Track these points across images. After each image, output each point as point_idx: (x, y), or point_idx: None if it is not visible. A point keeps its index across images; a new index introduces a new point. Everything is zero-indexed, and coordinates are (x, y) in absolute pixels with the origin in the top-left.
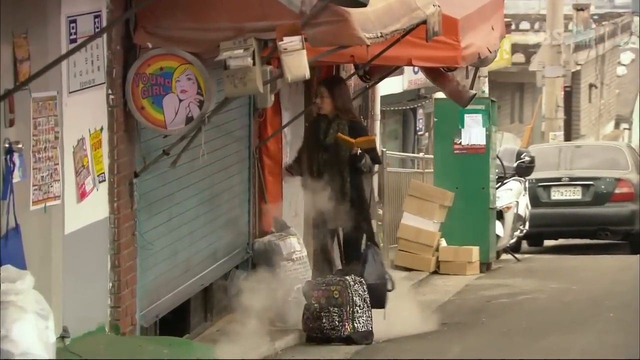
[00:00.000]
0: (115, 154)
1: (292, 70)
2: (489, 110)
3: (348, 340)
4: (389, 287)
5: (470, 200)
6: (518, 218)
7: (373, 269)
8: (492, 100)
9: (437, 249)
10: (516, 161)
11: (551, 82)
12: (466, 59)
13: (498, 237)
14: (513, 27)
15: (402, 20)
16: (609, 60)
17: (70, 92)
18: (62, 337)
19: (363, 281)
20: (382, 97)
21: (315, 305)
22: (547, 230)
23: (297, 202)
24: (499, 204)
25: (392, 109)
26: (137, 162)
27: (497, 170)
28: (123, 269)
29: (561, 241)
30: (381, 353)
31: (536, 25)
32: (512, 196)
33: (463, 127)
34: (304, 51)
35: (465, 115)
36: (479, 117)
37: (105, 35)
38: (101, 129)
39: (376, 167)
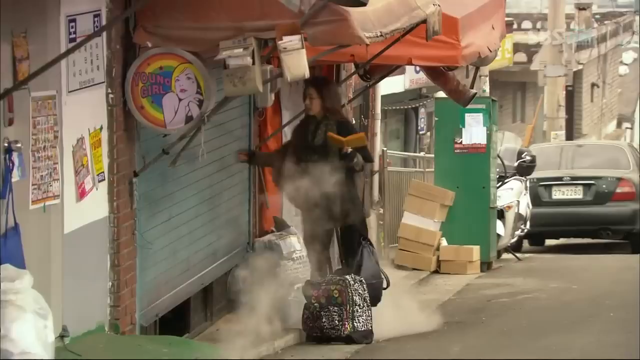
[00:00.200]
0: (114, 153)
1: (292, 70)
2: (490, 110)
3: (348, 340)
4: (384, 285)
5: (471, 200)
6: (519, 217)
7: (368, 267)
8: (492, 100)
9: (437, 248)
10: (517, 160)
11: (553, 81)
12: (466, 59)
13: (499, 236)
14: (515, 26)
15: (402, 20)
16: (611, 59)
17: (69, 92)
18: (61, 337)
19: (363, 280)
20: (383, 96)
21: (315, 304)
22: (548, 230)
23: None
24: (500, 203)
25: (393, 108)
26: (136, 162)
27: (498, 170)
28: (122, 268)
29: (562, 240)
30: (381, 352)
31: (538, 25)
32: (513, 195)
33: (464, 126)
34: (304, 50)
35: (466, 114)
36: (480, 116)
37: (104, 35)
38: (101, 128)
39: (375, 165)
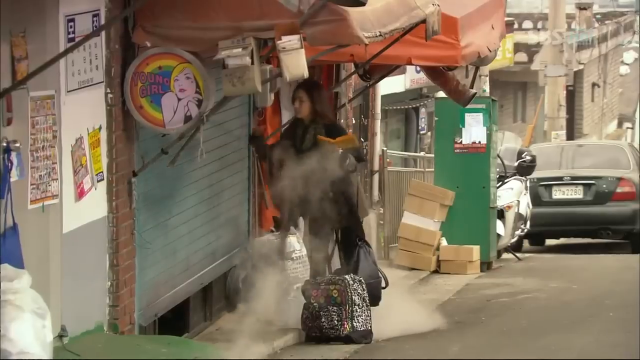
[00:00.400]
0: (113, 153)
1: (291, 70)
2: (490, 110)
3: (347, 340)
4: (383, 284)
5: (471, 200)
6: (519, 217)
7: (365, 268)
8: (492, 100)
9: (437, 248)
10: (517, 160)
11: (553, 81)
12: (466, 58)
13: (499, 236)
14: (516, 26)
15: (402, 20)
16: (611, 59)
17: (68, 91)
18: (60, 336)
19: (362, 280)
20: (384, 96)
21: (315, 304)
22: (548, 230)
23: None
24: (500, 203)
25: (394, 108)
26: (135, 161)
27: (498, 170)
28: (121, 268)
29: (563, 240)
30: (380, 352)
31: (539, 24)
32: (513, 195)
33: (464, 126)
34: (303, 50)
35: (466, 114)
36: (480, 116)
37: (103, 34)
38: (99, 128)
39: (375, 165)
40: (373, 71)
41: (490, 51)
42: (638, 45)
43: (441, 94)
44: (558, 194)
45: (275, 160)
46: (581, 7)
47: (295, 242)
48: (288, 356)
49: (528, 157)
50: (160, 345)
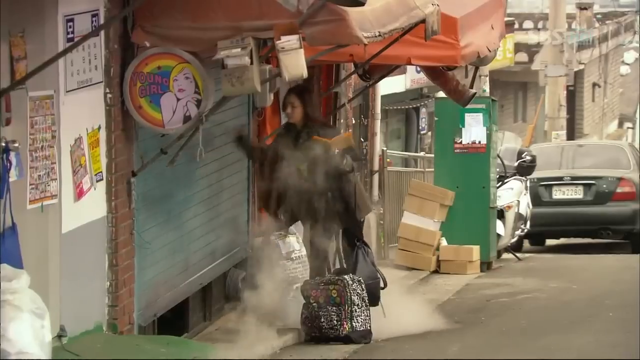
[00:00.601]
0: (112, 152)
1: (290, 70)
2: (490, 109)
3: (346, 340)
4: (381, 285)
5: (471, 200)
6: (519, 217)
7: (364, 269)
8: (492, 99)
9: (437, 248)
10: (517, 160)
11: (553, 81)
12: (465, 58)
13: (499, 236)
14: (516, 26)
15: (401, 20)
16: (612, 59)
17: (67, 91)
18: (59, 336)
19: (362, 280)
20: (384, 96)
21: (314, 304)
22: (548, 230)
23: None
24: (500, 203)
25: (394, 108)
26: (134, 161)
27: (498, 170)
28: (121, 268)
29: (563, 240)
30: (379, 352)
31: (539, 24)
32: (513, 195)
33: (464, 126)
34: (302, 50)
35: (466, 114)
36: (480, 116)
37: (102, 34)
38: (99, 128)
39: (375, 165)
40: (373, 71)
41: (489, 51)
42: (638, 45)
43: (441, 94)
44: (558, 194)
45: (268, 163)
46: (582, 7)
47: (295, 242)
48: (287, 356)
49: (528, 157)
50: (160, 345)
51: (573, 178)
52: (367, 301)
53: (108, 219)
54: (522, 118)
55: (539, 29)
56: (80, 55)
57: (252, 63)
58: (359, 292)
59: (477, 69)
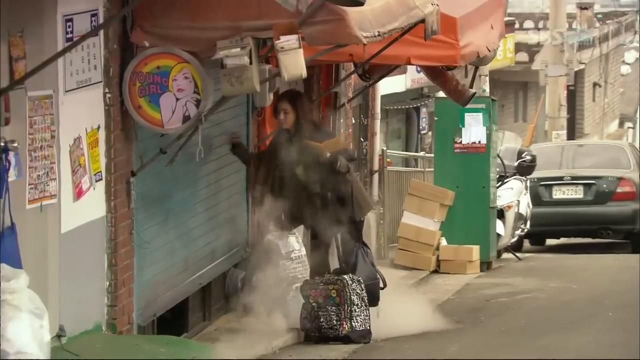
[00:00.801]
0: (112, 152)
1: (289, 69)
2: (490, 109)
3: (346, 339)
4: (381, 285)
5: (471, 199)
6: (519, 217)
7: (363, 269)
8: (492, 99)
9: (437, 248)
10: (517, 160)
11: (554, 81)
12: (465, 58)
13: (499, 236)
14: (517, 25)
15: (400, 19)
16: (613, 59)
17: (66, 91)
18: (58, 336)
19: (361, 280)
20: (385, 96)
21: (313, 304)
22: (549, 229)
23: None
24: (500, 203)
25: (395, 107)
26: (134, 161)
27: (498, 169)
28: (120, 268)
29: (563, 240)
30: (379, 352)
31: (540, 24)
32: (513, 195)
33: (463, 126)
34: (301, 50)
35: (466, 114)
36: (480, 116)
37: (102, 34)
38: (98, 128)
39: (375, 164)
40: (372, 71)
41: (489, 51)
42: (639, 45)
43: (441, 93)
44: (558, 193)
45: (263, 170)
46: (582, 7)
47: (294, 242)
48: (287, 356)
49: (528, 157)
50: (159, 345)
51: (573, 178)
52: (366, 301)
53: (107, 218)
54: (522, 118)
55: (539, 29)
56: (79, 55)
57: (251, 63)
58: (359, 292)
59: (476, 68)
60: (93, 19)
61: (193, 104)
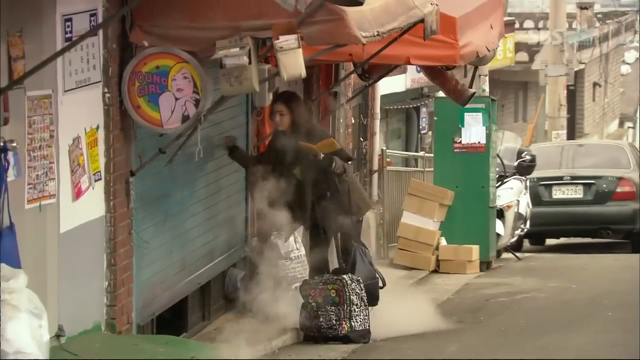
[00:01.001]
0: (111, 152)
1: (288, 69)
2: (489, 109)
3: (345, 339)
4: (380, 284)
5: (470, 199)
6: (519, 217)
7: (362, 269)
8: (492, 99)
9: (437, 248)
10: (517, 160)
11: (554, 80)
12: (464, 58)
13: (498, 235)
14: (517, 25)
15: (400, 19)
16: (613, 58)
17: (65, 91)
18: (57, 336)
19: (360, 280)
20: (385, 95)
21: (313, 304)
22: (548, 229)
23: None
24: (500, 202)
25: (395, 107)
26: (133, 161)
27: (497, 169)
28: (119, 268)
29: (563, 240)
30: (378, 352)
31: (540, 24)
32: (512, 195)
33: (463, 125)
34: (300, 50)
35: (466, 114)
36: (479, 115)
37: (101, 34)
38: (97, 128)
39: (375, 164)
40: (372, 71)
41: (489, 51)
42: (639, 44)
43: (441, 93)
44: (558, 193)
45: (261, 173)
46: (582, 7)
47: (294, 242)
48: (286, 356)
49: (528, 157)
50: (158, 345)
51: (573, 178)
52: (365, 301)
53: (106, 218)
54: (522, 118)
55: (539, 29)
56: (78, 55)
57: (250, 63)
58: (358, 291)
59: (476, 68)
60: (92, 18)
61: (192, 104)
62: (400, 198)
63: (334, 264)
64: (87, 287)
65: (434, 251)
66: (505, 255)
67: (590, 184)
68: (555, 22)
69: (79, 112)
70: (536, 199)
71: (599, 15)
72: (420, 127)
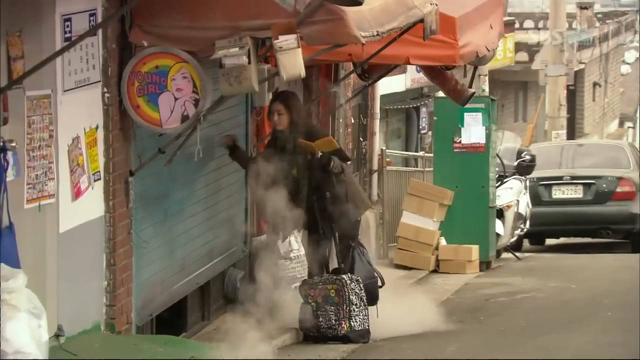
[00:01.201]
0: (110, 152)
1: (288, 69)
2: (489, 109)
3: (345, 339)
4: (379, 283)
5: (470, 199)
6: (519, 217)
7: (361, 269)
8: (491, 99)
9: (436, 248)
10: (516, 160)
11: (554, 80)
12: (464, 58)
13: (498, 235)
14: (517, 25)
15: (399, 19)
16: (612, 58)
17: (65, 91)
18: (57, 336)
19: (360, 280)
20: (385, 95)
21: (312, 304)
22: (548, 229)
23: None
24: (500, 202)
25: (395, 107)
26: (132, 161)
27: (497, 169)
28: (118, 268)
29: (563, 240)
30: (378, 352)
31: (540, 24)
32: (512, 195)
33: (463, 125)
34: (300, 50)
35: (465, 113)
36: (479, 115)
37: (100, 34)
38: (96, 128)
39: (374, 164)
40: (372, 70)
41: (488, 51)
42: (639, 44)
43: (441, 93)
44: (558, 193)
45: (260, 172)
46: (582, 7)
47: (294, 242)
48: (286, 356)
49: (527, 157)
50: (157, 345)
51: (573, 177)
52: (365, 301)
53: (106, 218)
54: (522, 117)
55: (539, 29)
56: (77, 55)
57: (250, 62)
58: (357, 291)
59: (475, 68)
60: (91, 18)
61: (191, 104)
62: (400, 198)
63: (333, 263)
64: (87, 287)
65: (433, 251)
66: (505, 255)
67: (590, 184)
68: (555, 22)
69: (79, 112)
70: (536, 199)
71: (599, 15)
72: (420, 127)
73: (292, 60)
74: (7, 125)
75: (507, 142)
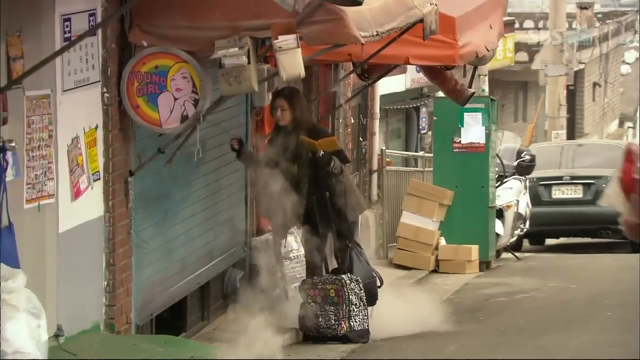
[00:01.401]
0: (110, 152)
1: (287, 69)
2: (489, 109)
3: (344, 339)
4: (378, 283)
5: (470, 199)
6: (518, 217)
7: (359, 269)
8: (491, 99)
9: (436, 248)
10: (516, 160)
11: (553, 80)
12: (463, 58)
13: (498, 235)
14: (517, 25)
15: (399, 19)
16: (612, 58)
17: (64, 91)
18: (56, 336)
19: (359, 280)
20: (385, 95)
21: (312, 304)
22: (548, 229)
23: None
24: (499, 202)
25: (395, 107)
26: (132, 161)
27: (497, 169)
28: (118, 268)
29: (562, 240)
30: (377, 352)
31: (540, 24)
32: (512, 195)
33: (462, 125)
34: (299, 50)
35: (465, 114)
36: (479, 115)
37: (100, 34)
38: (96, 128)
39: (374, 164)
40: (371, 70)
41: (488, 51)
42: (639, 44)
43: (441, 93)
44: (558, 193)
45: (263, 169)
46: (582, 7)
47: (293, 242)
48: (285, 356)
49: (527, 157)
50: (157, 345)
51: (573, 177)
52: (364, 301)
53: (105, 218)
54: (522, 117)
55: (539, 29)
56: (77, 55)
57: (249, 62)
58: (357, 291)
59: (475, 68)
60: (91, 18)
61: (191, 104)
62: (400, 198)
63: (333, 264)
64: (86, 287)
65: (433, 251)
66: (504, 255)
67: (589, 184)
68: (555, 22)
69: (78, 111)
70: (536, 199)
71: (599, 15)
72: (420, 127)
73: (292, 60)
74: (7, 125)
75: (507, 142)
